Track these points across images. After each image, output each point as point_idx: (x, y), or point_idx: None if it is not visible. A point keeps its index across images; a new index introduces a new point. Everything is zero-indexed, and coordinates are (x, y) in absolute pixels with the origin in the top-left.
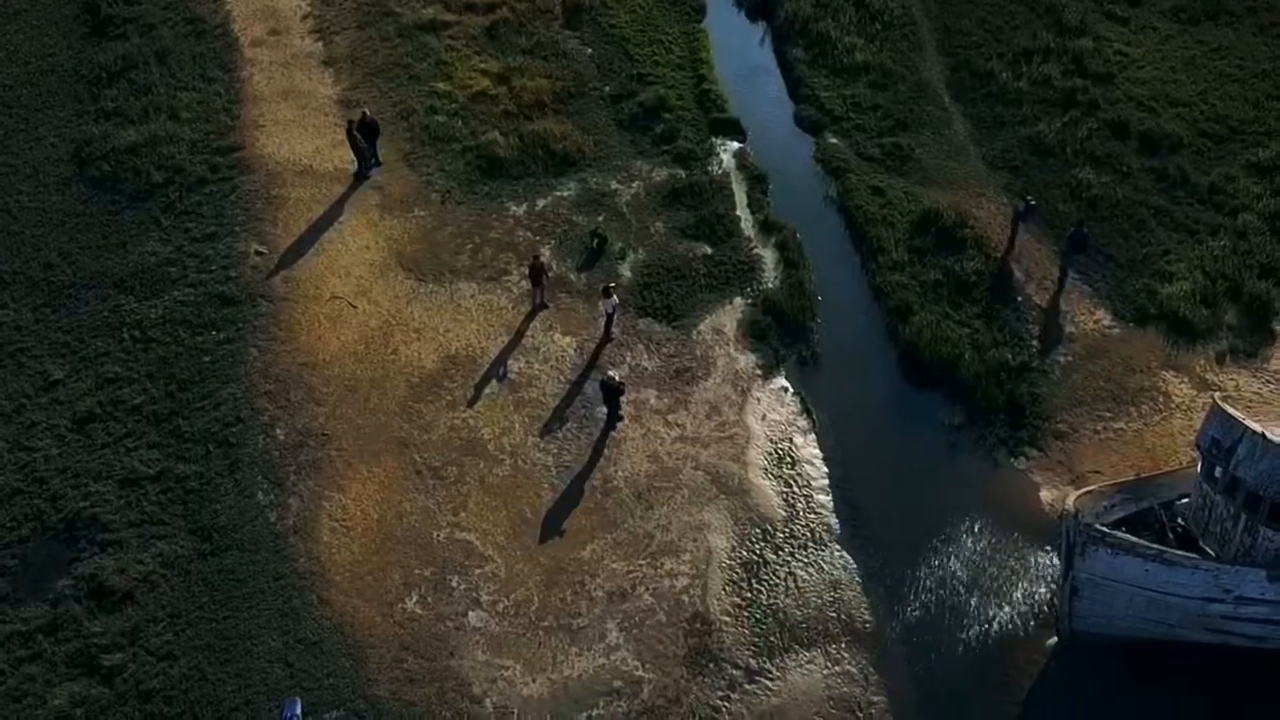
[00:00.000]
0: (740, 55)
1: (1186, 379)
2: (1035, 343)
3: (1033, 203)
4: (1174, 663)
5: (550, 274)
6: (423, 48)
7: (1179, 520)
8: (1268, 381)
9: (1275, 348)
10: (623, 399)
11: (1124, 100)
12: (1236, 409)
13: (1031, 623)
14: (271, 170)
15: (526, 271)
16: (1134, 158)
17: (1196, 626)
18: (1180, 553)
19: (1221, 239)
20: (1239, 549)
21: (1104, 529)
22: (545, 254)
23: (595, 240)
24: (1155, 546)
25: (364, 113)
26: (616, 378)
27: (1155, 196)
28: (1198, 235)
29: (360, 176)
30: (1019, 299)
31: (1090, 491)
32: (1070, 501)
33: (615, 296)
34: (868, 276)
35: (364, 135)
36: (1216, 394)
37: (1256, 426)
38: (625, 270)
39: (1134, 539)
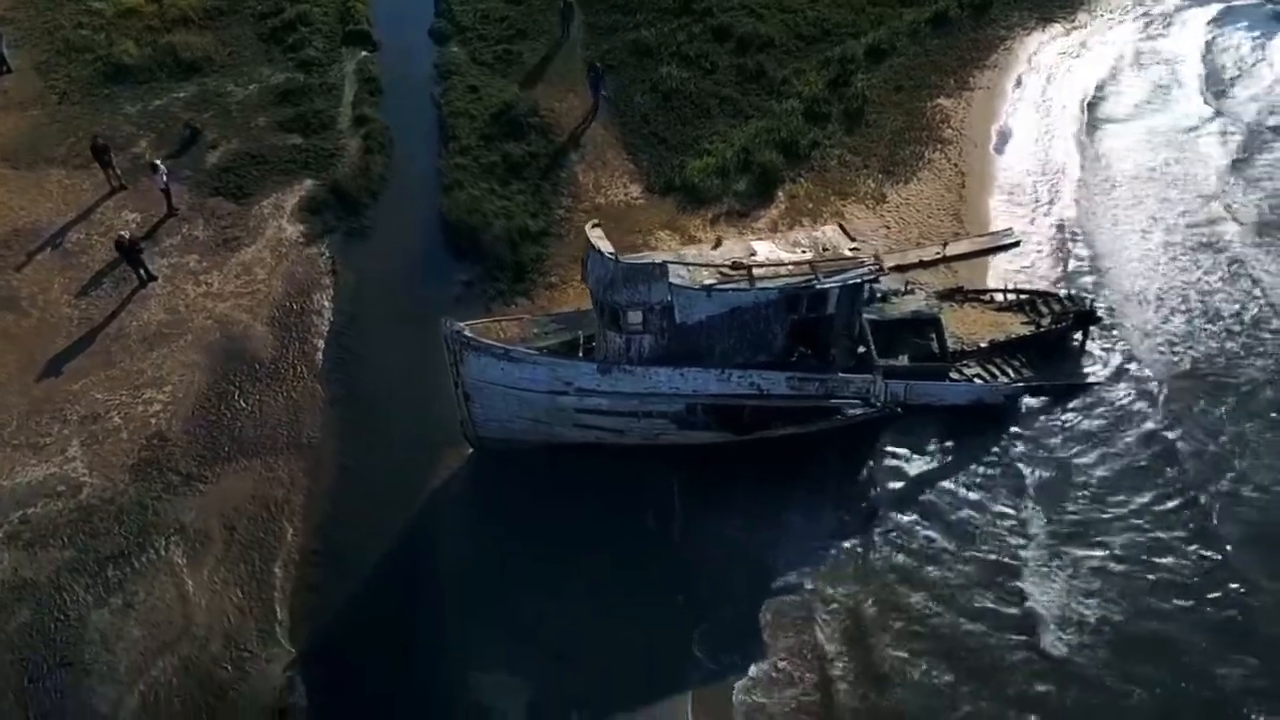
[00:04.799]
0: None
1: (677, 235)
2: (561, 212)
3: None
4: (562, 462)
5: (112, 154)
6: None
7: (592, 343)
8: (745, 233)
9: (768, 209)
10: (144, 257)
11: (737, 8)
12: (599, 234)
13: (460, 436)
14: None
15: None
16: (725, 57)
17: (566, 424)
18: (522, 349)
19: (764, 120)
20: (604, 355)
21: (468, 335)
22: (145, 145)
23: (188, 131)
24: (503, 345)
25: None
26: (127, 236)
27: (729, 89)
28: (751, 120)
29: None
30: (564, 175)
31: (517, 319)
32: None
33: (163, 169)
34: (438, 161)
35: None
36: (590, 224)
37: (601, 245)
38: (212, 158)
39: (488, 340)
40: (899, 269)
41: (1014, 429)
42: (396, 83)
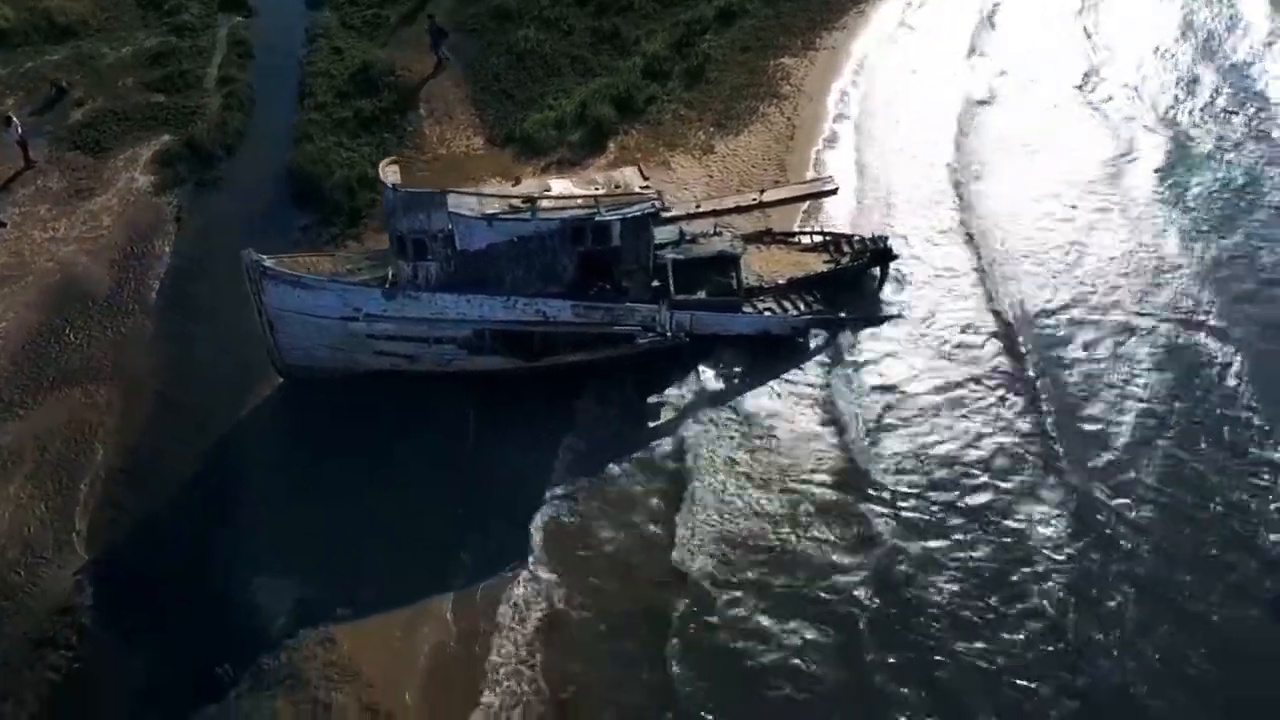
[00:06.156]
0: None
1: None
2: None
3: None
4: (365, 388)
5: None
6: None
7: None
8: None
9: (598, 159)
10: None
11: None
12: (393, 170)
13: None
14: None
15: None
16: (583, 19)
17: (364, 351)
18: (312, 276)
19: (606, 78)
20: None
21: (266, 264)
22: (11, 103)
23: (54, 90)
24: (295, 273)
25: None
26: None
27: (582, 49)
28: (598, 78)
29: None
30: (411, 129)
31: (329, 255)
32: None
33: (16, 124)
34: (294, 118)
35: None
36: (385, 160)
37: (388, 178)
38: (76, 115)
39: (283, 269)
40: (714, 214)
41: (799, 358)
42: (267, 46)
